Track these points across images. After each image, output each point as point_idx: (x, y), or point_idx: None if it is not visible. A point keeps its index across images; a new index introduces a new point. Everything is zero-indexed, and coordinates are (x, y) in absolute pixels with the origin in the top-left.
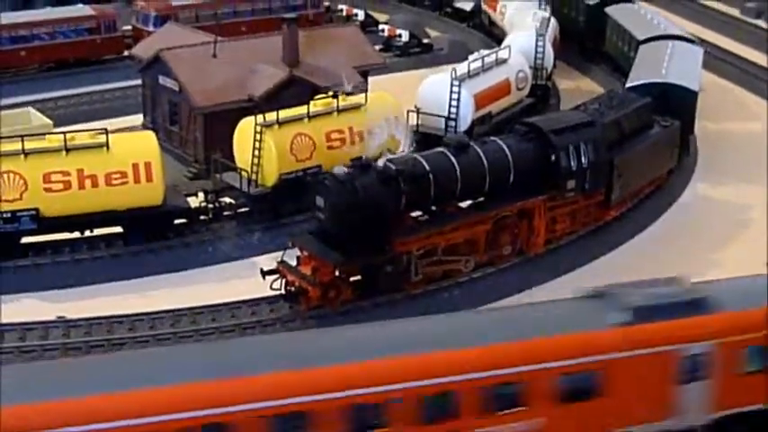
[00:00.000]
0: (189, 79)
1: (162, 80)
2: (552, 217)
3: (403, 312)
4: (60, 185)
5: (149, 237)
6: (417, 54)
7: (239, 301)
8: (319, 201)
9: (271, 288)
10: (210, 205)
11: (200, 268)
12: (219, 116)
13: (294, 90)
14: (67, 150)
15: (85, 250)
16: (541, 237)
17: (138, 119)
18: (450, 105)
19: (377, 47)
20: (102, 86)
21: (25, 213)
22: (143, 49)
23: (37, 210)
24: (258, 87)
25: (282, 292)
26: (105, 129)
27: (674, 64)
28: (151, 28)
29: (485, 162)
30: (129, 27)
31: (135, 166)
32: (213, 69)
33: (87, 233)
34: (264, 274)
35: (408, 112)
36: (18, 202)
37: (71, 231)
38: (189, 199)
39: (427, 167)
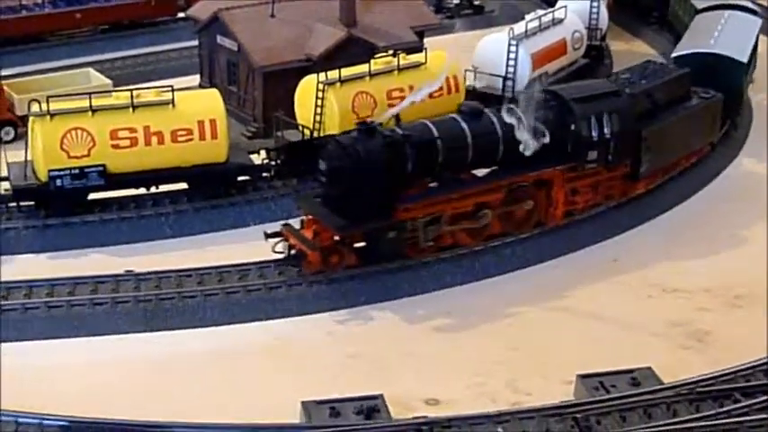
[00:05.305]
0: (248, 39)
1: (220, 40)
2: (573, 188)
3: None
4: (127, 142)
5: (213, 193)
6: (469, 15)
7: None
8: (321, 164)
9: (273, 251)
10: (273, 162)
11: (263, 224)
12: (278, 75)
13: (352, 50)
14: (134, 107)
15: (150, 206)
16: (560, 208)
17: (194, 79)
18: (507, 65)
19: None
20: (157, 48)
21: (93, 169)
22: (200, 10)
23: (104, 166)
24: (317, 47)
25: (284, 255)
26: (171, 86)
27: (725, 34)
28: None
29: (498, 129)
30: None
31: (200, 124)
32: (271, 29)
33: (152, 189)
34: (268, 236)
35: (465, 71)
36: (86, 158)
37: (137, 187)
38: (251, 156)
39: (436, 133)
